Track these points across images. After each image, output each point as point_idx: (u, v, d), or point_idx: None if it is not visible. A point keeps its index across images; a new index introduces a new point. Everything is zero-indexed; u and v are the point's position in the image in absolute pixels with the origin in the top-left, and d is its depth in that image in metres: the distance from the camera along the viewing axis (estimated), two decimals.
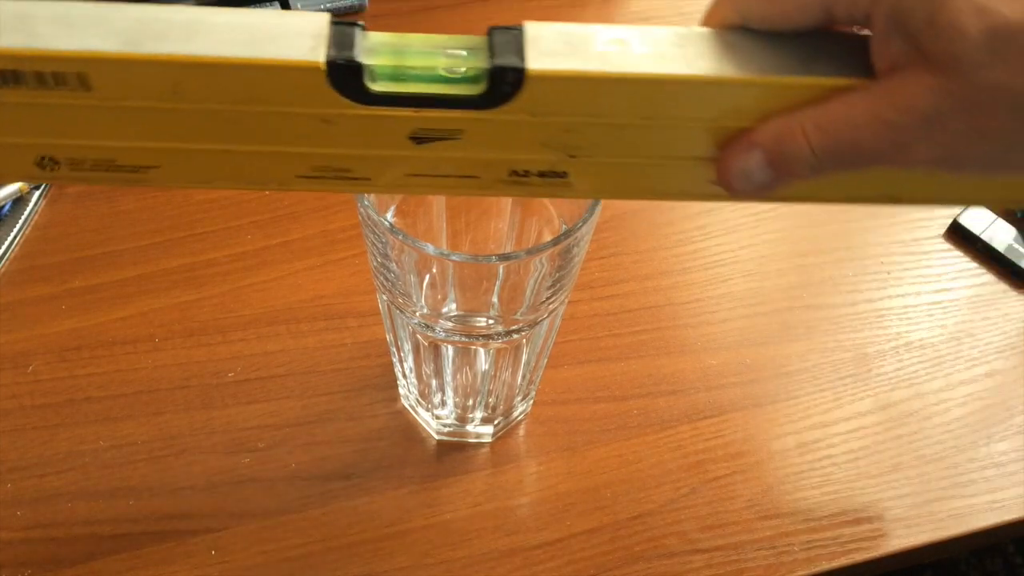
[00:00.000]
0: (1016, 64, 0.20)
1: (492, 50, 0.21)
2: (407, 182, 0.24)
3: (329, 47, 0.21)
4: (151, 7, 0.21)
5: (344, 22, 0.21)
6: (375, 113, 0.22)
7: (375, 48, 0.22)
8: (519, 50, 0.21)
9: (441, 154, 0.23)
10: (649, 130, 0.23)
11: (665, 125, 0.23)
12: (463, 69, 0.22)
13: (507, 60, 0.21)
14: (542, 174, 0.24)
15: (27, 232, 0.47)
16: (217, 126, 0.22)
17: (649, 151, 0.24)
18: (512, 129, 0.22)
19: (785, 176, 0.23)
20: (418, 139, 0.23)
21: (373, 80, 0.21)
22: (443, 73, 0.22)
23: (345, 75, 0.21)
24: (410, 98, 0.22)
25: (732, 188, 0.24)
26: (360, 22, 0.22)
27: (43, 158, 0.23)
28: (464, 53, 0.22)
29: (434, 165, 0.24)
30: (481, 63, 0.22)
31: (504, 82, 0.21)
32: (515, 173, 0.24)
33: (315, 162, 0.23)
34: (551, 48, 0.21)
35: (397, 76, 0.22)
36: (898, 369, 0.44)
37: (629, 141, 0.23)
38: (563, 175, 0.24)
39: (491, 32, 0.22)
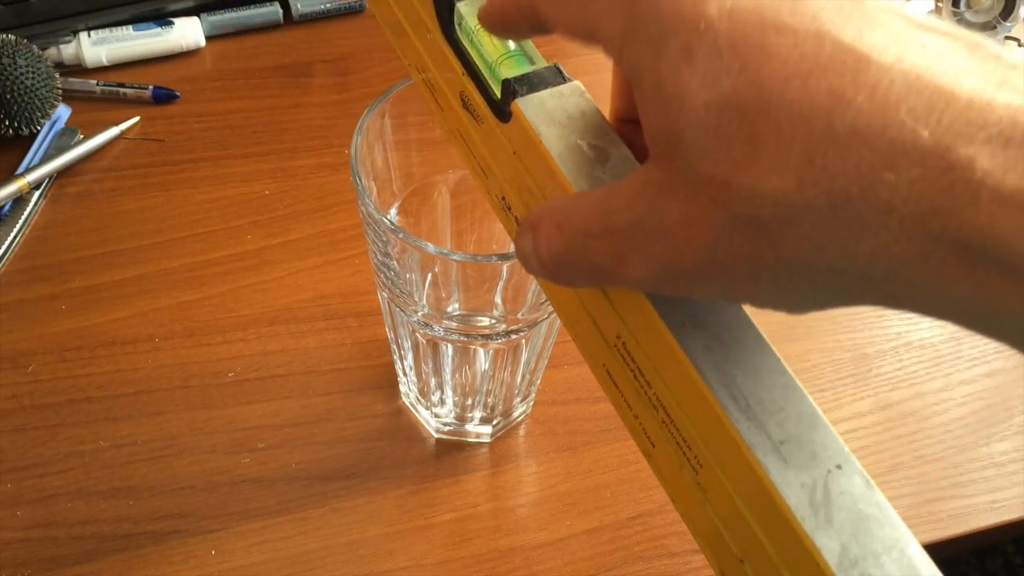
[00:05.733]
0: (740, 153, 0.14)
1: (525, 73, 0.21)
2: (455, 138, 0.26)
3: None
4: None
5: None
6: (446, 52, 0.24)
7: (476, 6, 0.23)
8: (534, 87, 0.21)
9: (473, 129, 0.24)
10: None
11: None
12: (501, 69, 0.22)
13: (515, 85, 0.21)
14: (518, 221, 0.23)
15: (27, 232, 0.47)
16: None
17: None
18: (503, 155, 0.23)
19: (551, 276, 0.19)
20: (462, 101, 0.24)
21: (460, 25, 0.23)
22: (492, 59, 0.23)
23: (441, 4, 0.23)
24: (463, 55, 0.23)
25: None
26: None
27: None
28: (519, 58, 0.22)
29: (470, 137, 0.24)
30: (509, 73, 0.22)
31: (505, 102, 0.22)
32: (504, 200, 0.24)
33: (421, 60, 0.26)
34: (553, 112, 0.21)
35: (468, 35, 0.23)
36: (898, 369, 0.44)
37: None
38: None
39: (551, 65, 0.22)
